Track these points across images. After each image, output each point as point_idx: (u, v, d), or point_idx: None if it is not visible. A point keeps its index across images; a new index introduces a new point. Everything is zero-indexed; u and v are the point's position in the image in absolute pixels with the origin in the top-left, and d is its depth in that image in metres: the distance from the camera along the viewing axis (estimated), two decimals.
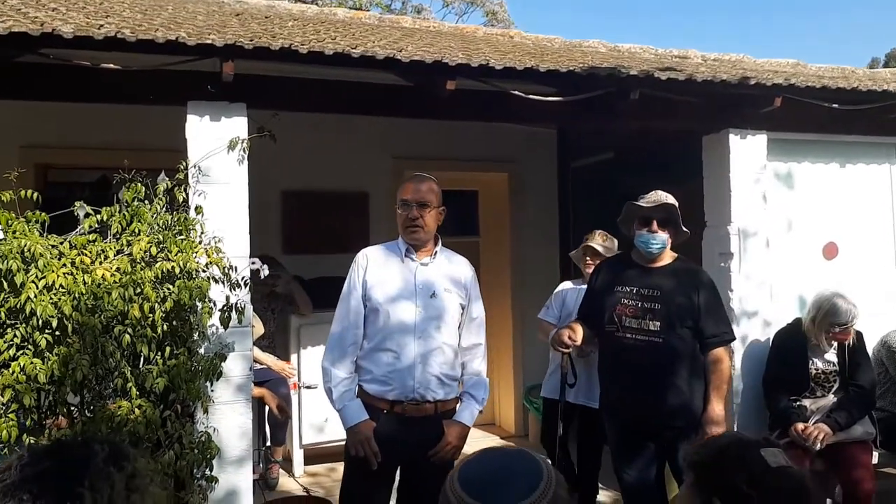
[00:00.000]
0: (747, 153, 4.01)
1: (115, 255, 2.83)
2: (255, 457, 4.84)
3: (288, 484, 4.73)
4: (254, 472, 4.46)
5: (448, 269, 2.90)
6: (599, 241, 3.99)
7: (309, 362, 4.79)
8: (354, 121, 4.97)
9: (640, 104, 3.66)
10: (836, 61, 5.76)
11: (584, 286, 3.91)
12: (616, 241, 4.01)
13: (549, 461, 1.21)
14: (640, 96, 3.61)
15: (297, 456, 4.94)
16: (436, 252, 2.89)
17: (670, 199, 3.17)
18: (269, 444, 4.82)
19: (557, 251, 6.08)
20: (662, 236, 3.15)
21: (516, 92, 3.45)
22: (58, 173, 5.27)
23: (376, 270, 2.83)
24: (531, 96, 3.49)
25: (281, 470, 4.88)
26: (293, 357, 4.89)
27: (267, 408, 4.71)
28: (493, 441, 5.87)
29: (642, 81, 3.53)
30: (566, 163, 6.21)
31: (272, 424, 4.77)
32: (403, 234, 2.85)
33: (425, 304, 2.79)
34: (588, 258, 3.99)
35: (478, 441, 5.86)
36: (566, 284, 4.21)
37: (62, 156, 4.99)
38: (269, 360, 4.71)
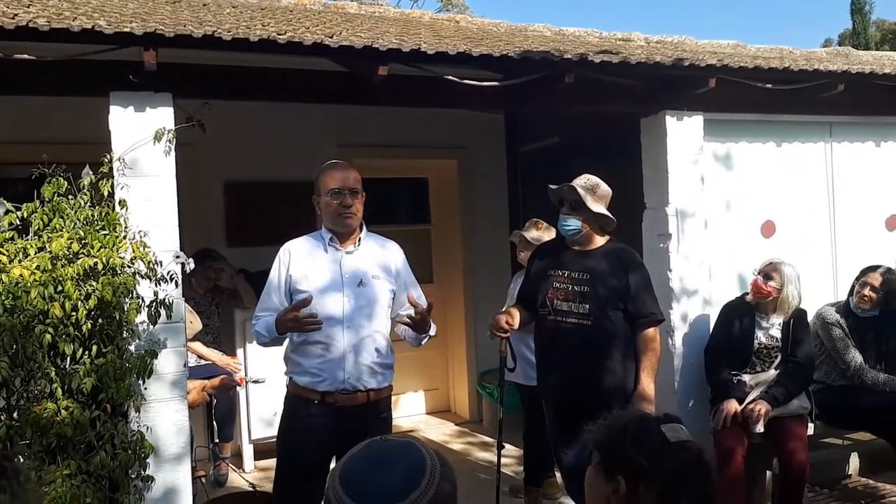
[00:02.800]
0: (684, 135, 4.04)
1: (35, 253, 2.75)
2: (204, 454, 4.79)
3: (238, 480, 4.68)
4: (202, 470, 4.43)
5: (376, 255, 2.88)
6: (535, 230, 4.04)
7: (255, 357, 4.72)
8: (299, 109, 4.89)
9: (579, 87, 3.65)
10: (791, 43, 5.85)
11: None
12: (554, 231, 4.06)
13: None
14: (576, 79, 3.60)
15: (247, 451, 4.88)
16: (360, 239, 2.86)
17: (584, 181, 3.18)
18: (216, 440, 4.75)
19: (508, 236, 6.08)
20: (571, 219, 3.18)
21: (450, 77, 3.43)
22: None
23: (300, 263, 2.81)
24: (466, 81, 3.46)
25: (231, 466, 4.82)
26: (239, 352, 4.82)
27: (214, 404, 4.65)
28: (448, 428, 5.89)
29: (576, 65, 3.52)
30: (515, 148, 6.21)
31: (219, 421, 4.71)
32: (335, 222, 2.82)
33: (354, 293, 2.77)
34: (520, 250, 4.04)
35: (434, 428, 5.88)
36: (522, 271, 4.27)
37: None
38: (214, 355, 4.64)
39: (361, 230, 2.88)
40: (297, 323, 2.64)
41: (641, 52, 4.10)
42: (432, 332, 2.89)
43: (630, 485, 1.36)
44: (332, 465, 2.83)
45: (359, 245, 2.85)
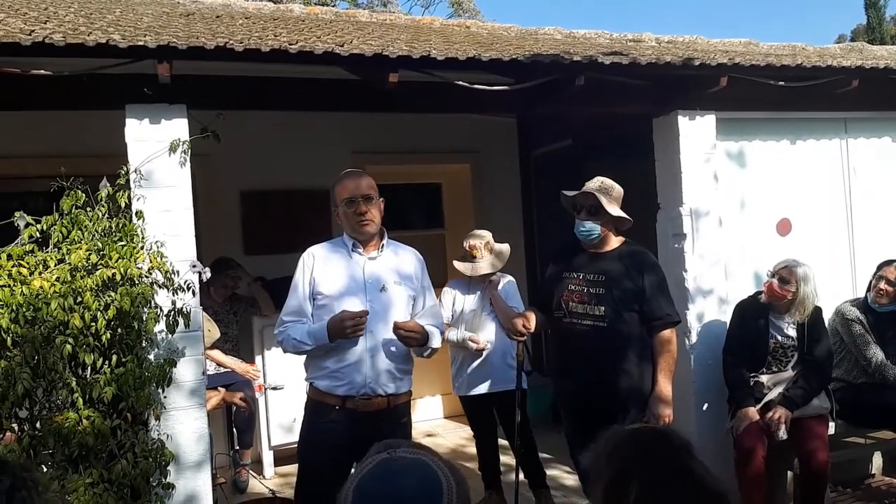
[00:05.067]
0: (696, 134, 4.02)
1: (55, 265, 2.80)
2: (224, 461, 4.83)
3: (258, 486, 4.71)
4: (222, 477, 4.46)
5: (396, 262, 2.91)
6: (486, 253, 4.01)
7: (273, 363, 4.76)
8: (312, 117, 4.94)
9: (590, 89, 3.65)
10: (805, 40, 5.79)
11: (473, 282, 4.01)
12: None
13: (450, 471, 1.14)
14: (587, 81, 3.60)
15: (267, 457, 4.92)
16: (382, 245, 2.90)
17: (598, 185, 3.18)
18: (237, 447, 4.79)
19: (522, 240, 6.09)
20: (590, 224, 3.17)
21: (460, 82, 3.44)
22: (11, 184, 5.17)
23: (323, 267, 2.84)
24: (476, 86, 3.48)
25: (252, 472, 4.85)
26: (257, 359, 4.85)
27: (233, 411, 4.69)
28: (466, 431, 5.87)
29: (586, 67, 3.53)
30: (528, 151, 6.22)
31: (239, 428, 4.74)
32: (354, 230, 2.86)
33: (374, 298, 2.80)
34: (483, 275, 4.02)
35: (451, 432, 5.87)
36: (455, 282, 4.19)
37: (9, 166, 4.90)
38: (233, 362, 4.68)
39: (383, 237, 2.92)
40: (356, 329, 2.67)
41: (652, 53, 4.10)
42: (434, 344, 2.88)
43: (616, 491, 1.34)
44: (353, 470, 2.86)
45: (381, 251, 2.89)
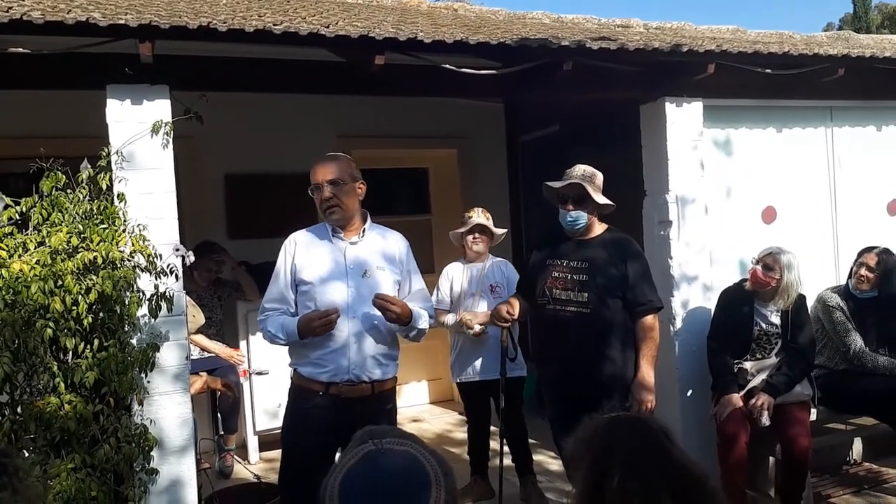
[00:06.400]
0: (684, 121, 4.02)
1: (35, 248, 2.75)
2: (208, 446, 4.81)
3: (243, 472, 4.69)
4: (207, 462, 4.45)
5: (380, 246, 2.88)
6: (484, 218, 4.02)
7: (258, 348, 4.73)
8: (298, 100, 4.88)
9: (577, 75, 3.64)
10: (792, 27, 5.82)
11: (470, 265, 4.00)
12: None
13: (439, 464, 1.11)
14: (574, 66, 3.59)
15: (252, 443, 4.91)
16: (364, 229, 2.86)
17: (581, 172, 3.18)
18: (221, 432, 4.77)
19: (509, 225, 6.07)
20: (577, 213, 3.17)
21: (447, 66, 3.41)
22: None
23: (305, 253, 2.82)
24: (463, 70, 3.45)
25: (236, 457, 4.84)
26: (241, 344, 4.83)
27: (218, 396, 4.67)
28: (452, 417, 5.90)
29: (575, 52, 3.51)
30: (515, 137, 6.20)
31: (224, 413, 4.72)
32: (323, 216, 2.83)
33: (357, 283, 2.77)
34: (476, 234, 4.00)
35: (437, 417, 5.89)
36: (451, 266, 4.16)
37: None
38: (216, 347, 4.65)
39: (365, 221, 2.89)
40: (326, 328, 2.66)
41: (640, 39, 4.08)
42: (421, 325, 2.85)
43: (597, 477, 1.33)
44: (338, 455, 2.85)
45: (363, 236, 2.86)
